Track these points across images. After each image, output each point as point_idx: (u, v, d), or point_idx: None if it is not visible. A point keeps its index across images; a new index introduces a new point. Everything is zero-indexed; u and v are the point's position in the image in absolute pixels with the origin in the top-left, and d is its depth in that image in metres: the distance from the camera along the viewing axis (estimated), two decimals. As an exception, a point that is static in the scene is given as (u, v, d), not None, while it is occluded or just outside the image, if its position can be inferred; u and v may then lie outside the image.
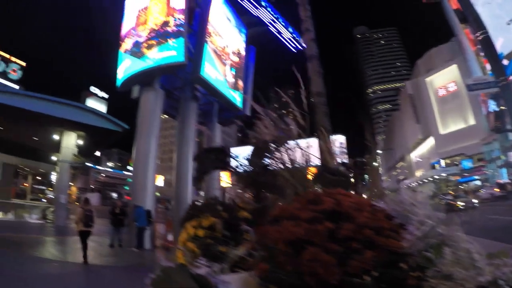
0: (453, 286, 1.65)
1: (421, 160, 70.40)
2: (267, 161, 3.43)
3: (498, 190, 26.22)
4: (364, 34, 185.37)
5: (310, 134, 4.47)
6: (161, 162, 56.89)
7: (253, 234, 2.64)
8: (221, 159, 3.70)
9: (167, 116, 25.21)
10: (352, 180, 3.58)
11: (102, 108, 60.37)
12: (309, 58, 5.56)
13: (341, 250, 1.75)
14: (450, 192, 38.88)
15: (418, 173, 73.98)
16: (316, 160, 3.86)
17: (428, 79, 68.78)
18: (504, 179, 37.00)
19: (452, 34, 58.78)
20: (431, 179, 64.47)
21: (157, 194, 27.64)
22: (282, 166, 3.42)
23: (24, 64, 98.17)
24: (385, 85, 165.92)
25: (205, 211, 3.49)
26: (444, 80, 64.78)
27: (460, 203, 22.96)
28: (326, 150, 3.91)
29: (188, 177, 18.65)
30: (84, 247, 11.11)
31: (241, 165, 3.63)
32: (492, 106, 37.10)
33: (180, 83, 19.98)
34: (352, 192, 3.31)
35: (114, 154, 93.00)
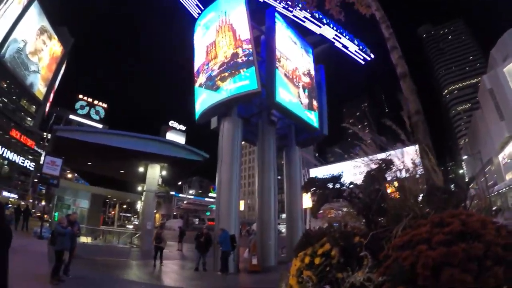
0: None
1: (510, 161, 64.25)
2: (379, 186, 3.56)
3: None
4: (430, 32, 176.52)
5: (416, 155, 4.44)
6: (243, 187, 58.19)
7: (371, 259, 2.81)
8: (337, 187, 3.88)
9: (247, 143, 26.11)
10: (460, 197, 3.61)
11: (181, 140, 64.21)
12: (400, 76, 5.53)
13: (477, 269, 1.90)
14: None
15: (509, 176, 67.51)
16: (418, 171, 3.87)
17: (506, 69, 62.77)
18: None
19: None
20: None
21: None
22: (393, 190, 3.56)
23: (105, 106, 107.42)
24: (461, 83, 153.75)
25: (320, 238, 3.73)
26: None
27: None
28: (431, 169, 3.92)
29: (271, 201, 19.24)
30: (157, 256, 15.78)
31: (354, 192, 3.79)
32: None
33: (256, 109, 20.88)
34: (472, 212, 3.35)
35: (196, 182, 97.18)
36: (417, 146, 4.33)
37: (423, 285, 2.01)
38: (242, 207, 67.24)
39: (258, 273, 15.85)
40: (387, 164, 3.74)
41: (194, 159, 24.35)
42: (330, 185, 3.90)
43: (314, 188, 3.92)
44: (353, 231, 3.42)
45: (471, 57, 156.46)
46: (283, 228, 40.78)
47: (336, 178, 3.81)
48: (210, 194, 75.73)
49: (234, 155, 18.17)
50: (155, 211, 33.78)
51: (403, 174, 3.85)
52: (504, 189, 67.56)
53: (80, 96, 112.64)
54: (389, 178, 3.84)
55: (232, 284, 13.71)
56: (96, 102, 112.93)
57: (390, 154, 3.87)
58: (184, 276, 14.26)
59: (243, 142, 21.50)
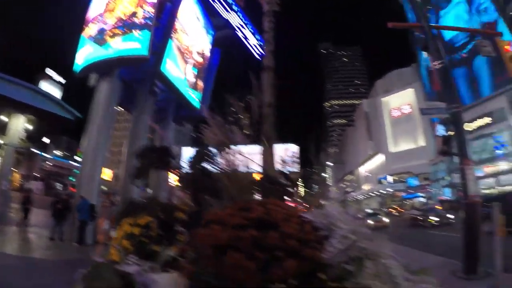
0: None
1: (370, 175, 73.16)
2: (207, 165, 3.57)
3: (440, 207, 27.46)
4: (329, 50, 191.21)
5: (256, 142, 4.65)
6: (111, 155, 55.11)
7: (187, 235, 2.74)
8: (163, 159, 3.79)
9: (122, 109, 24.63)
10: (290, 189, 3.79)
11: (57, 93, 57.47)
12: (265, 68, 5.70)
13: (264, 258, 1.82)
14: (417, 207, 40.09)
15: (366, 187, 76.91)
16: (258, 168, 4.04)
17: (384, 99, 71.85)
18: (446, 197, 39.77)
19: (414, 59, 61.65)
20: (377, 193, 67.35)
21: (104, 188, 26.75)
22: (223, 171, 3.57)
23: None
24: (343, 101, 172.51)
25: (143, 209, 3.54)
26: (399, 102, 67.96)
27: (433, 219, 22.24)
28: (268, 160, 4.12)
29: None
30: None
31: (182, 167, 3.76)
32: (441, 130, 39.20)
33: (140, 75, 19.39)
34: (288, 202, 3.49)
35: (64, 142, 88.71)
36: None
37: (208, 266, 1.92)
38: (109, 176, 63.79)
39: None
40: (222, 145, 3.73)
41: (66, 116, 21.88)
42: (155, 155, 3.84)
43: (141, 156, 3.81)
44: (175, 205, 3.36)
45: (357, 82, 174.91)
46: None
47: (164, 149, 3.78)
48: (77, 158, 69.49)
49: (107, 119, 16.87)
50: (13, 169, 30.03)
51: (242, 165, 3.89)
52: (360, 197, 77.76)
53: None
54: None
55: (86, 256, 12.82)
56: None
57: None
58: (38, 245, 13.02)
59: (121, 109, 20.11)
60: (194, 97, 22.07)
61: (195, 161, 3.59)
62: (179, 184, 3.87)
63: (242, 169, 3.80)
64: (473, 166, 7.46)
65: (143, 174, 3.79)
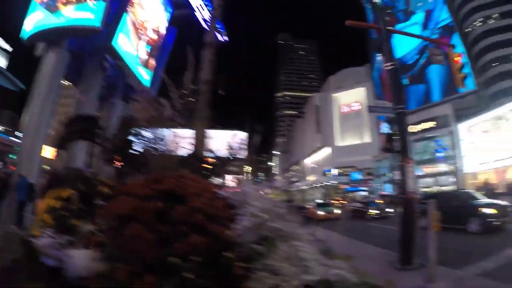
0: (279, 281, 1.70)
1: (315, 166, 74.92)
2: (135, 138, 3.48)
3: (381, 201, 28.39)
4: (287, 41, 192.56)
5: (189, 122, 4.63)
6: (55, 133, 51.93)
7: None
8: (89, 129, 3.68)
9: (68, 82, 23.32)
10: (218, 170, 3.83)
11: (1, 61, 52.88)
12: (206, 45, 5.56)
13: (168, 231, 1.80)
14: (359, 199, 41.33)
15: (310, 178, 78.91)
16: (189, 148, 4.02)
17: (336, 95, 73.79)
18: (387, 192, 41.95)
19: (368, 60, 64.41)
20: (321, 184, 69.32)
21: (46, 167, 25.21)
22: (150, 147, 3.51)
23: None
24: (295, 93, 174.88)
25: (65, 182, 3.37)
26: (350, 99, 70.04)
27: (373, 212, 23.20)
28: (199, 138, 4.10)
29: (80, 151, 17.40)
30: None
31: (108, 138, 3.64)
32: (385, 128, 41.13)
33: (90, 48, 18.17)
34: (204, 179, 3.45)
35: (5, 116, 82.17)
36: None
37: (112, 237, 1.86)
38: (52, 155, 60.41)
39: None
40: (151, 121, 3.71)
41: (8, 87, 20.30)
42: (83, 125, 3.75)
43: (67, 125, 3.70)
44: (97, 178, 3.22)
45: (312, 75, 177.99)
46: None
47: (92, 120, 3.69)
48: (19, 134, 64.65)
49: (51, 92, 15.73)
50: None
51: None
52: (305, 187, 79.62)
53: None
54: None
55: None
56: None
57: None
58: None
59: (67, 83, 18.94)
60: (144, 75, 21.32)
61: (119, 133, 3.48)
62: (104, 156, 3.75)
63: (172, 147, 3.76)
64: (412, 165, 7.85)
65: (66, 143, 3.64)
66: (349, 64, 78.00)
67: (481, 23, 56.72)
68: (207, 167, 3.08)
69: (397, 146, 8.00)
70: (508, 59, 50.74)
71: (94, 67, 18.05)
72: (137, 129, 3.48)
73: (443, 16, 46.44)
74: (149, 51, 21.58)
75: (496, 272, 6.54)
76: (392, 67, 8.27)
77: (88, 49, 18.15)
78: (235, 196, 2.16)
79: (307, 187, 79.48)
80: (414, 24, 49.58)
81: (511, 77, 49.70)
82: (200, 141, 3.63)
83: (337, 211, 25.93)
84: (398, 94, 8.27)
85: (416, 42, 46.77)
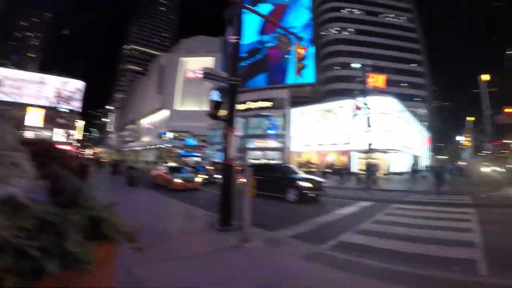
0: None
1: (151, 127, 72.78)
2: None
3: (212, 168, 28.20)
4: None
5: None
6: None
7: None
8: None
9: None
10: None
11: None
12: None
13: None
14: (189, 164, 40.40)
15: (146, 139, 76.42)
16: None
17: (184, 59, 72.70)
18: (218, 160, 43.77)
19: (223, 33, 64.76)
20: (155, 147, 67.72)
21: None
22: None
23: None
24: (144, 48, 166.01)
25: None
26: (197, 65, 69.16)
27: (203, 177, 21.76)
28: None
29: None
30: None
31: None
32: (215, 96, 42.65)
33: None
34: None
35: None
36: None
37: None
38: None
39: None
40: None
41: None
42: None
43: None
44: None
45: (165, 34, 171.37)
46: None
47: None
48: None
49: None
50: None
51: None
52: (139, 148, 76.61)
53: None
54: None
55: None
56: None
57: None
58: None
59: None
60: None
61: None
62: None
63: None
64: (235, 133, 7.98)
65: None
66: (206, 32, 77.85)
67: (336, 32, 69.99)
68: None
69: (224, 115, 8.16)
70: (345, 67, 61.48)
71: None
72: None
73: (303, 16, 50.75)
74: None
75: (306, 235, 7.46)
76: (236, 40, 8.20)
77: None
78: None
79: (141, 148, 76.66)
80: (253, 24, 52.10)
81: (343, 81, 61.60)
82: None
83: (197, 179, 19.86)
84: (234, 66, 8.19)
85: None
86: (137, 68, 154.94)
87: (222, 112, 8.18)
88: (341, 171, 29.39)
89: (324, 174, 29.11)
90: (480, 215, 10.36)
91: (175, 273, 4.38)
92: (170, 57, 77.48)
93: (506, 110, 30.96)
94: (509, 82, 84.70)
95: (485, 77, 30.22)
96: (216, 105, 8.34)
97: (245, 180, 6.59)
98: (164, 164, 25.87)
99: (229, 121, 7.92)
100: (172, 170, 20.23)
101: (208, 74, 7.97)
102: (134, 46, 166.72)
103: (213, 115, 8.27)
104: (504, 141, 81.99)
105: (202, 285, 4.01)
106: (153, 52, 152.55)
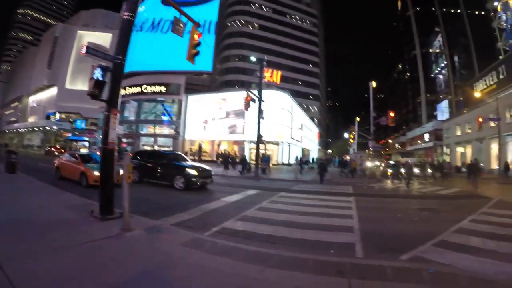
0: None
1: (37, 106, 66.19)
2: None
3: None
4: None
5: None
6: None
7: None
8: None
9: None
10: None
11: None
12: None
13: None
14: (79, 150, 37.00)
15: (31, 119, 69.37)
16: None
17: (81, 32, 67.05)
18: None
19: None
20: (41, 128, 61.80)
21: None
22: None
23: None
24: (39, 15, 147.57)
25: None
26: (95, 40, 64.23)
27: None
28: None
29: None
30: None
31: None
32: (98, 74, 41.29)
33: None
34: None
35: None
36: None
37: None
38: None
39: None
40: None
41: None
42: None
43: None
44: None
45: (65, 2, 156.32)
46: None
47: None
48: None
49: None
50: None
51: None
52: (23, 129, 68.55)
53: None
54: None
55: None
56: None
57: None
58: None
59: None
60: None
61: None
62: None
63: None
64: (117, 116, 7.58)
65: None
66: (109, 5, 72.58)
67: (240, 25, 71.56)
68: None
69: (105, 95, 7.59)
70: (245, 59, 62.94)
71: None
72: None
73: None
74: None
75: (190, 222, 7.63)
76: (128, 17, 7.89)
77: None
78: None
79: (26, 130, 68.88)
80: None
81: (241, 73, 64.45)
82: None
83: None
84: (125, 46, 7.86)
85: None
86: (29, 37, 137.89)
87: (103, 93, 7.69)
88: (231, 160, 29.63)
89: (215, 163, 29.85)
90: (360, 203, 11.69)
91: (49, 267, 4.12)
92: (66, 28, 70.76)
93: (391, 113, 35.07)
94: (396, 90, 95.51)
95: (373, 84, 34.09)
96: (97, 84, 7.61)
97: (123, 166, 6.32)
98: (70, 151, 22.34)
99: (111, 103, 7.55)
100: (84, 159, 14.79)
101: (90, 49, 7.46)
102: (28, 11, 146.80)
103: (93, 94, 7.60)
104: (387, 139, 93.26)
105: (75, 276, 3.88)
106: (48, 21, 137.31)
